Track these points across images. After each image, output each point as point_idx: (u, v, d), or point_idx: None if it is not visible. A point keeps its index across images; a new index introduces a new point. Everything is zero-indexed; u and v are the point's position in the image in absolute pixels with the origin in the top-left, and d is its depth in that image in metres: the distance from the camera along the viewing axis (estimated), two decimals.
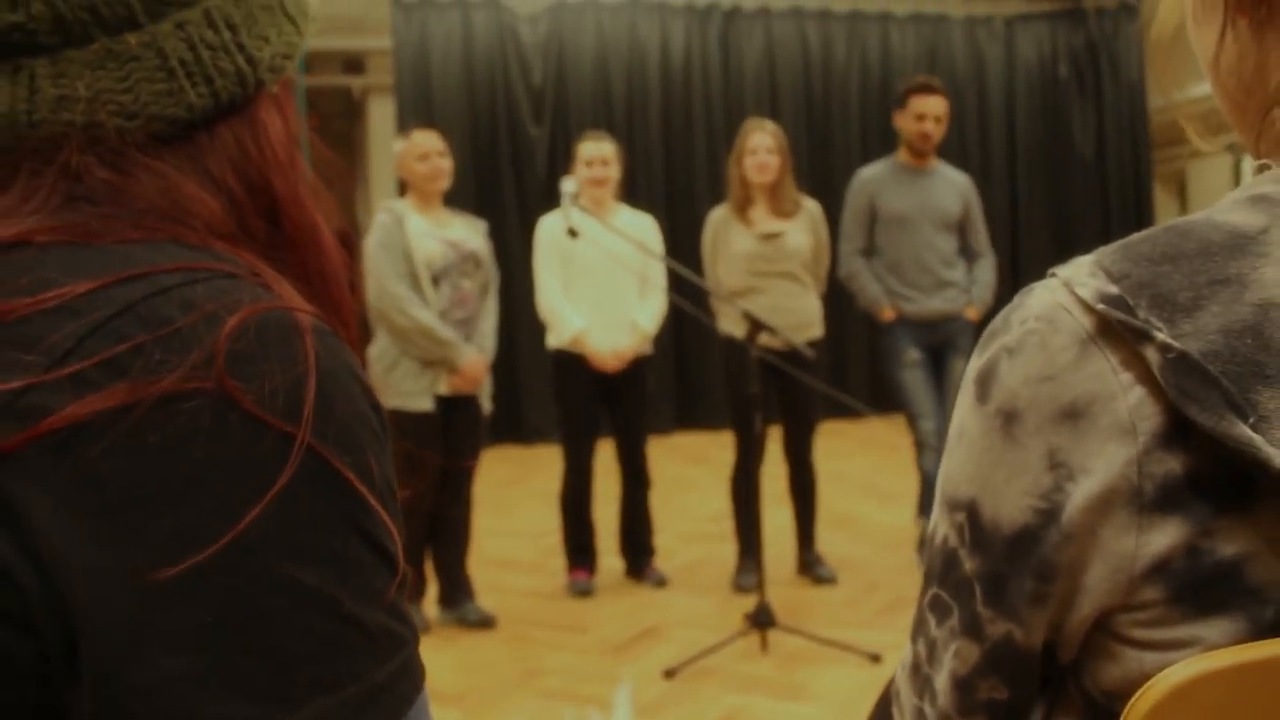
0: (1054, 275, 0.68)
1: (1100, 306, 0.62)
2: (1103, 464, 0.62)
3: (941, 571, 0.72)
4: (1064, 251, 8.20)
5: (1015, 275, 10.08)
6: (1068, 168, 10.83)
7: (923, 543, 4.80)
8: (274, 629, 0.49)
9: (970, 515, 0.69)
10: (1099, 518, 0.63)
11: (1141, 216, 10.90)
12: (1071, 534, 0.64)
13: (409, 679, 0.54)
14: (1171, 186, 12.15)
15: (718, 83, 9.95)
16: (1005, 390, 0.66)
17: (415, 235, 4.07)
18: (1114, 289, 0.62)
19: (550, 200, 8.88)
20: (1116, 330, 0.62)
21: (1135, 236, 0.67)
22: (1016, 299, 0.69)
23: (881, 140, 9.88)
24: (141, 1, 0.61)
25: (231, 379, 0.51)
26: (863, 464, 7.62)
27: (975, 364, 0.70)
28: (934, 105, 4.67)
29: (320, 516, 0.52)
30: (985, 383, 0.68)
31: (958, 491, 0.70)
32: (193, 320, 0.52)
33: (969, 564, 0.69)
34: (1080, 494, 0.63)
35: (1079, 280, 0.65)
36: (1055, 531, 0.64)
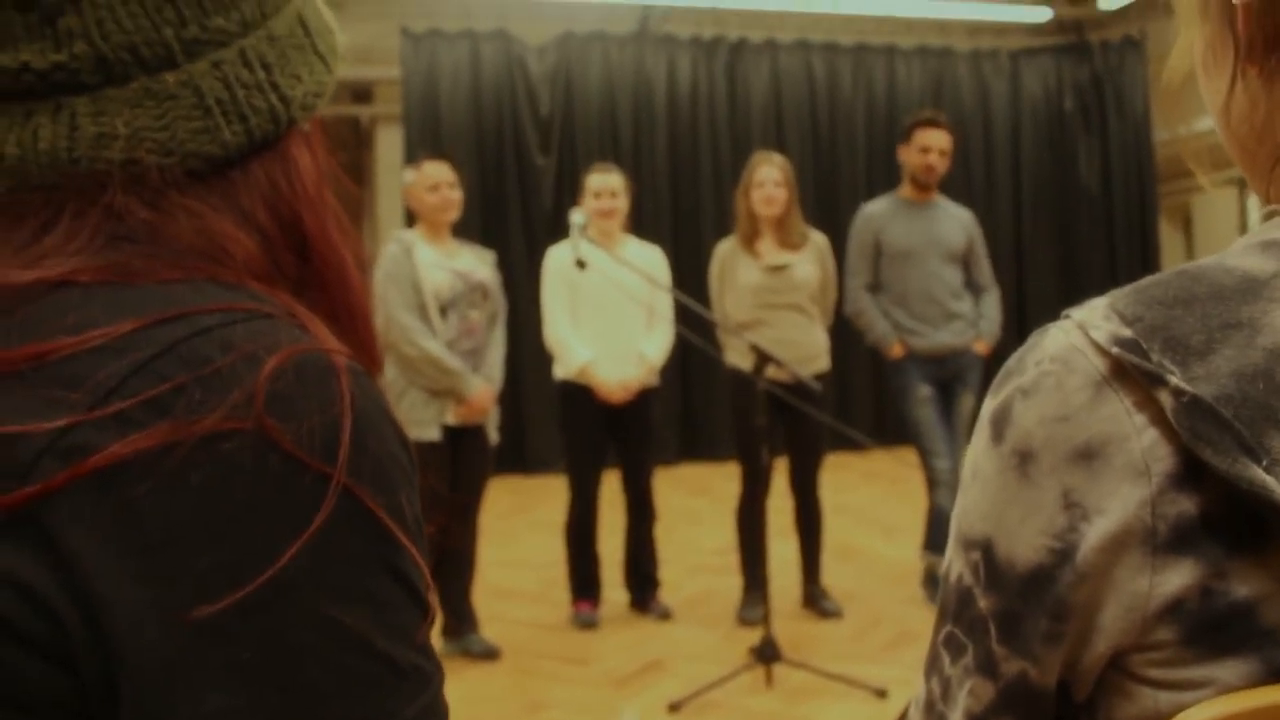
0: (1068, 317, 0.69)
1: (1115, 350, 0.63)
2: (1117, 504, 0.63)
3: (956, 609, 0.72)
4: (1069, 284, 8.27)
5: (1021, 308, 10.10)
6: (1073, 201, 10.87)
7: (928, 578, 4.80)
8: (310, 666, 0.50)
9: (985, 554, 0.69)
10: (1113, 558, 0.63)
11: (1147, 250, 10.92)
12: (1086, 573, 0.64)
13: (435, 716, 0.56)
14: (1177, 220, 12.18)
15: (724, 114, 10.01)
16: (1020, 430, 0.67)
17: (424, 265, 4.09)
18: (1128, 332, 0.63)
19: (556, 230, 8.96)
20: (1130, 373, 0.63)
21: (1147, 280, 0.68)
22: (1031, 340, 0.70)
23: (887, 172, 9.92)
24: (180, 41, 0.62)
25: (271, 419, 0.52)
26: (866, 496, 7.61)
27: (990, 404, 0.71)
28: (938, 139, 4.69)
29: (355, 556, 0.53)
30: (1000, 423, 0.69)
31: (972, 530, 0.71)
32: (232, 360, 0.53)
33: (984, 602, 0.70)
34: (1095, 534, 0.64)
35: (1093, 323, 0.65)
36: (1070, 571, 0.65)
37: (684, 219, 9.75)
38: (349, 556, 0.52)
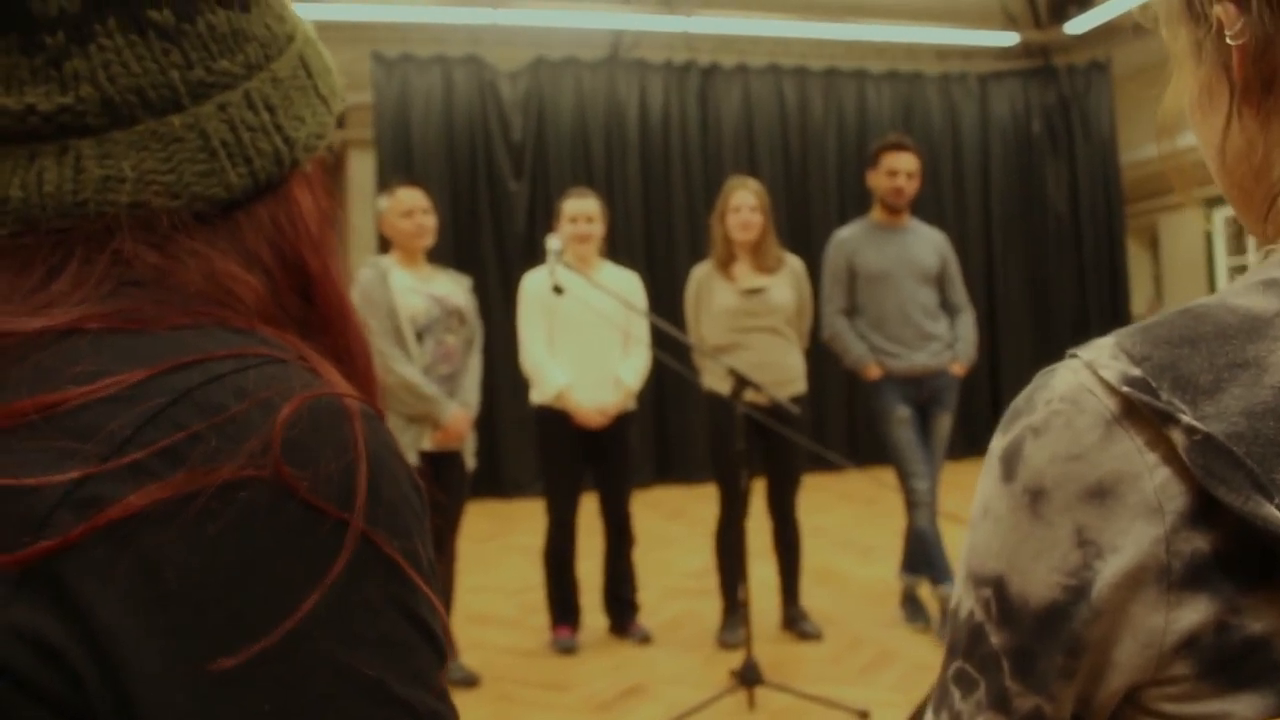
0: (1075, 356, 0.69)
1: (1125, 389, 0.64)
2: (1131, 542, 0.63)
3: (967, 645, 0.73)
4: (1039, 304, 8.35)
5: (991, 328, 10.18)
6: (1042, 222, 10.98)
7: (906, 599, 4.81)
8: (329, 715, 0.50)
9: (997, 591, 0.70)
10: (1129, 595, 0.64)
11: (1115, 270, 11.04)
12: (1101, 610, 0.65)
13: None
14: (1144, 239, 12.32)
15: (696, 139, 10.06)
16: (1032, 469, 0.68)
17: (399, 290, 4.08)
18: (1136, 371, 0.64)
19: (529, 255, 8.97)
20: (1141, 412, 0.64)
21: (1152, 319, 0.69)
22: (1038, 379, 0.71)
23: (858, 195, 10.00)
24: (186, 84, 0.62)
25: (288, 467, 0.51)
26: (841, 517, 7.63)
27: (999, 443, 0.71)
28: (906, 162, 4.72)
29: (372, 602, 0.52)
30: (1011, 461, 0.69)
31: (983, 567, 0.71)
32: (246, 408, 0.52)
33: (996, 639, 0.70)
34: (1110, 571, 0.64)
35: (1101, 362, 0.66)
36: (1085, 608, 0.65)
37: (657, 243, 9.78)
38: (367, 603, 0.52)
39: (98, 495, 0.49)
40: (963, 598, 0.73)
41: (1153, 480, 0.63)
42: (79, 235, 0.59)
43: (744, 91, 10.22)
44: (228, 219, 0.64)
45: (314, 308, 0.69)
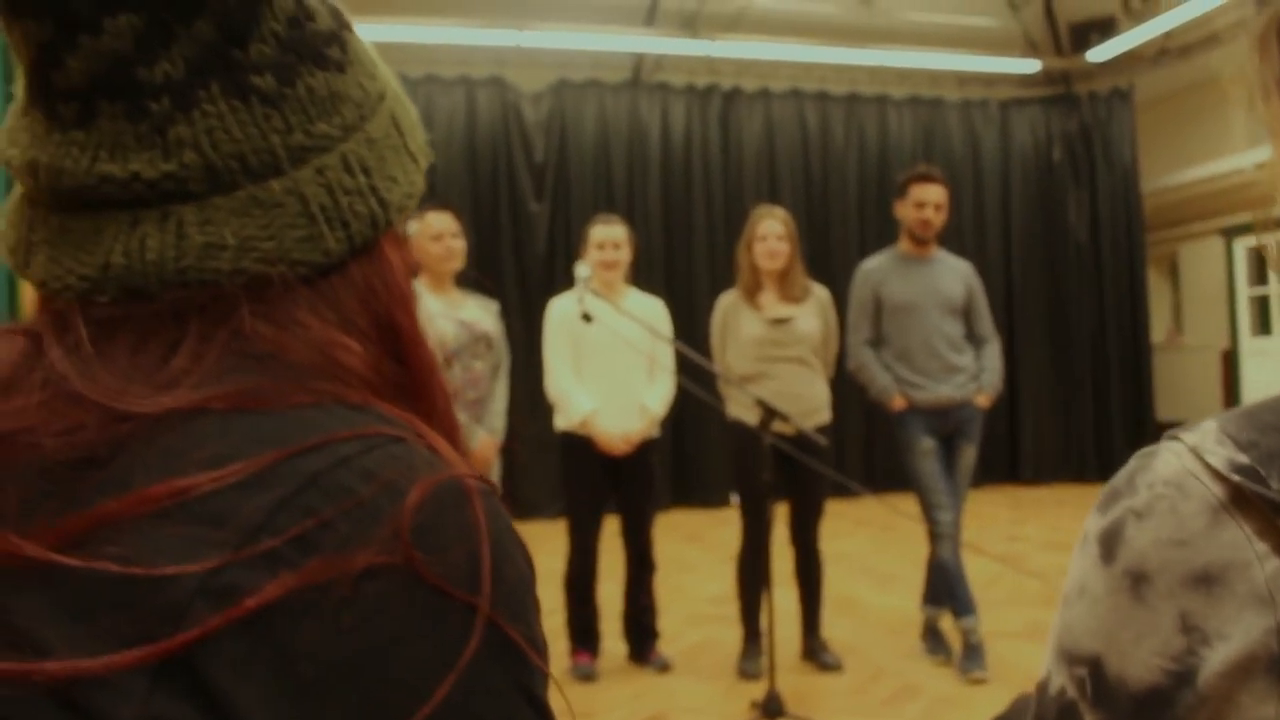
0: (1177, 439, 0.69)
1: (1235, 477, 0.63)
2: (1240, 631, 0.63)
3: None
4: (1059, 332, 8.33)
5: (1011, 357, 10.15)
6: (1062, 250, 10.96)
7: (928, 630, 4.79)
8: None
9: (1093, 671, 0.69)
10: (1237, 684, 0.63)
11: (1135, 299, 11.00)
12: (1208, 697, 0.64)
13: None
14: (1164, 268, 12.28)
15: (718, 162, 10.07)
16: (1134, 552, 0.67)
17: (429, 316, 4.09)
18: (1244, 458, 0.64)
19: (550, 277, 9.00)
20: (1250, 500, 0.63)
21: (1254, 404, 0.68)
22: (1138, 461, 0.70)
23: (879, 221, 10.02)
24: (286, 149, 0.62)
25: (418, 553, 0.52)
26: (859, 545, 7.60)
27: (1098, 523, 0.71)
28: (934, 193, 4.71)
29: (499, 686, 0.53)
30: (1110, 543, 0.69)
31: (1078, 646, 0.71)
32: (374, 492, 0.53)
33: (1090, 718, 0.70)
34: (1217, 659, 0.64)
35: (1207, 448, 0.66)
36: (1190, 694, 0.65)
37: (677, 265, 9.80)
38: (494, 688, 0.53)
39: (234, 584, 0.49)
40: (1054, 674, 0.73)
41: (1264, 570, 0.63)
42: (191, 306, 0.59)
43: (766, 116, 10.24)
44: (326, 283, 0.64)
45: (407, 370, 0.68)
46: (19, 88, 0.63)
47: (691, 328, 7.97)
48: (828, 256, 9.85)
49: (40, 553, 0.49)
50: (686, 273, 9.74)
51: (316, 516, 0.51)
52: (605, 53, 9.87)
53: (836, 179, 10.39)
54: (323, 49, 0.65)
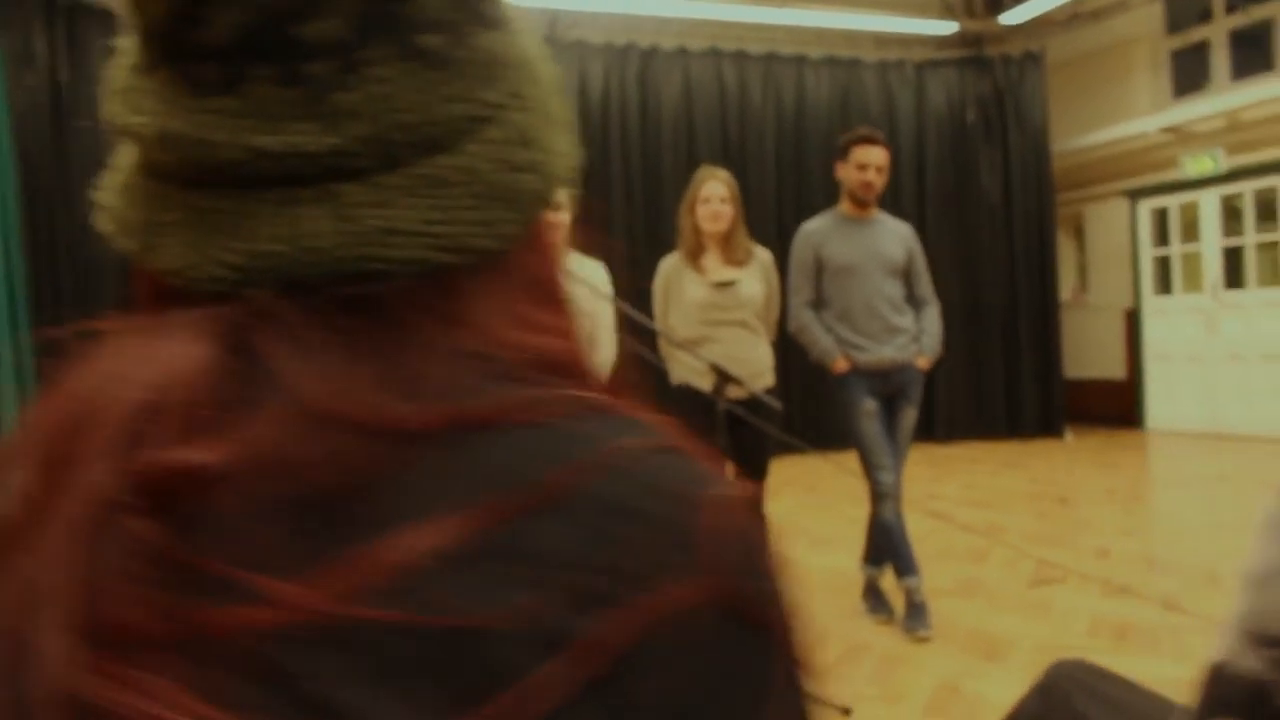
0: None
1: None
2: None
3: (1244, 701, 0.71)
4: (971, 292, 8.48)
5: None
6: (975, 211, 11.13)
7: (869, 590, 4.83)
8: None
9: None
10: None
11: (1045, 259, 11.23)
12: None
13: None
14: (1070, 228, 12.55)
15: (635, 121, 10.00)
16: None
17: None
18: None
19: None
20: None
21: None
22: None
23: (795, 180, 10.05)
24: (455, 119, 0.53)
25: (727, 580, 0.46)
26: (786, 506, 7.66)
27: None
28: (876, 155, 4.72)
29: (796, 710, 0.49)
30: None
31: (1269, 629, 0.69)
32: (667, 511, 0.46)
33: None
34: None
35: None
36: None
37: (594, 225, 9.73)
38: (793, 713, 0.48)
39: (560, 631, 0.42)
40: (1240, 654, 0.71)
41: None
42: (370, 301, 0.50)
43: (684, 74, 10.18)
44: (499, 271, 0.55)
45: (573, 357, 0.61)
46: (123, 41, 0.55)
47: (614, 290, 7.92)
48: (744, 214, 9.86)
49: (329, 604, 0.41)
50: (602, 232, 9.68)
51: (623, 544, 0.44)
52: (519, 8, 9.68)
53: (754, 138, 10.39)
54: (482, 3, 0.57)
